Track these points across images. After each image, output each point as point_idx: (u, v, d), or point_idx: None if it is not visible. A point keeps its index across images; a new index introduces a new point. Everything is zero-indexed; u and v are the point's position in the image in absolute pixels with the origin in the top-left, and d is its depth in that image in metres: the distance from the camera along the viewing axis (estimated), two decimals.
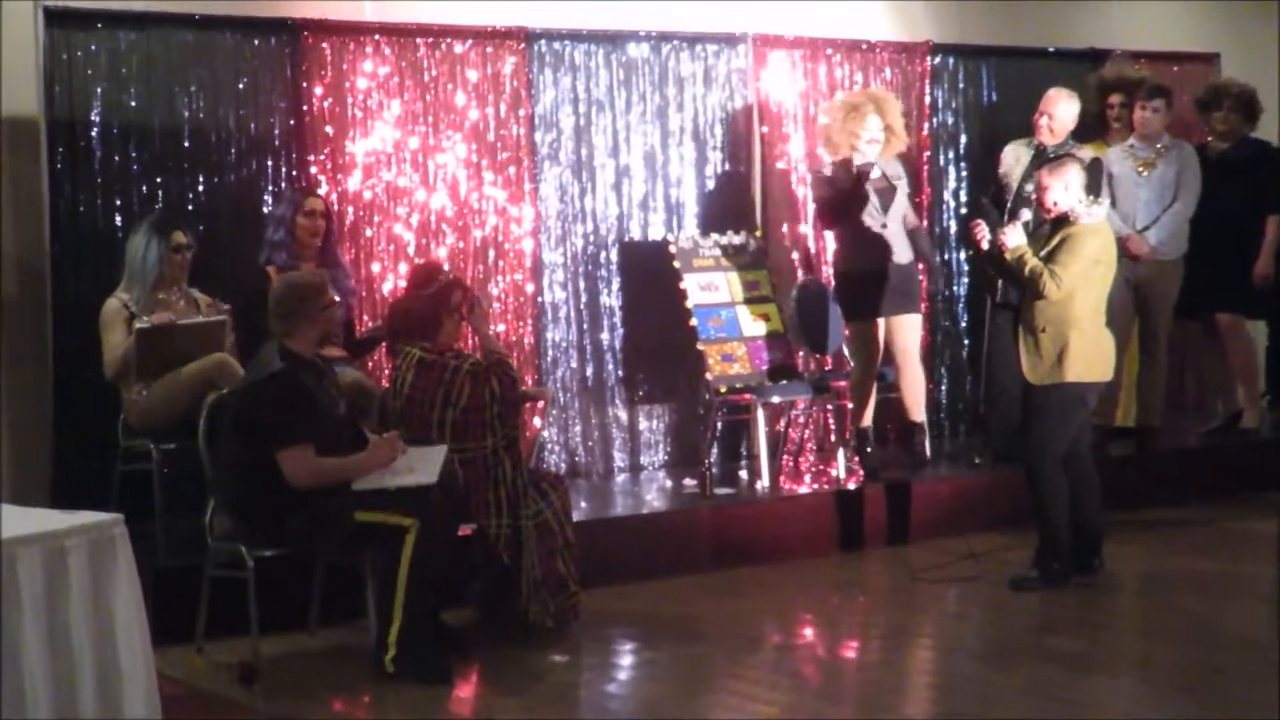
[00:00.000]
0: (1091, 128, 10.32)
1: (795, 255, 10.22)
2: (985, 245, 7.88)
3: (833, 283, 9.58)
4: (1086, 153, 9.23)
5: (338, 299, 6.97)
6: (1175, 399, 11.48)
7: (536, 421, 9.07)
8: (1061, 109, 9.46)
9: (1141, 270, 9.79)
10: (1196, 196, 9.88)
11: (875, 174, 9.12)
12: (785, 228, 10.31)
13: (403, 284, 8.45)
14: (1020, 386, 7.89)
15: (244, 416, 6.54)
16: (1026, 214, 8.38)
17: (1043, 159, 9.10)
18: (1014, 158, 9.66)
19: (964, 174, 10.94)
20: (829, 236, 10.28)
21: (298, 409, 6.51)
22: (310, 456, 6.48)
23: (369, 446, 6.68)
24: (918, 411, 9.46)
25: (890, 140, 9.20)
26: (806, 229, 10.32)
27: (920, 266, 9.53)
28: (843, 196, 9.16)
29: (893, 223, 9.18)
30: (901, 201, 9.27)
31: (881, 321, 9.20)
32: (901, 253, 9.20)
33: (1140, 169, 9.81)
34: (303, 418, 6.52)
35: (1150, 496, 9.66)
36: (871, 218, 9.10)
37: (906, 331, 9.30)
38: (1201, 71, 11.73)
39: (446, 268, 8.57)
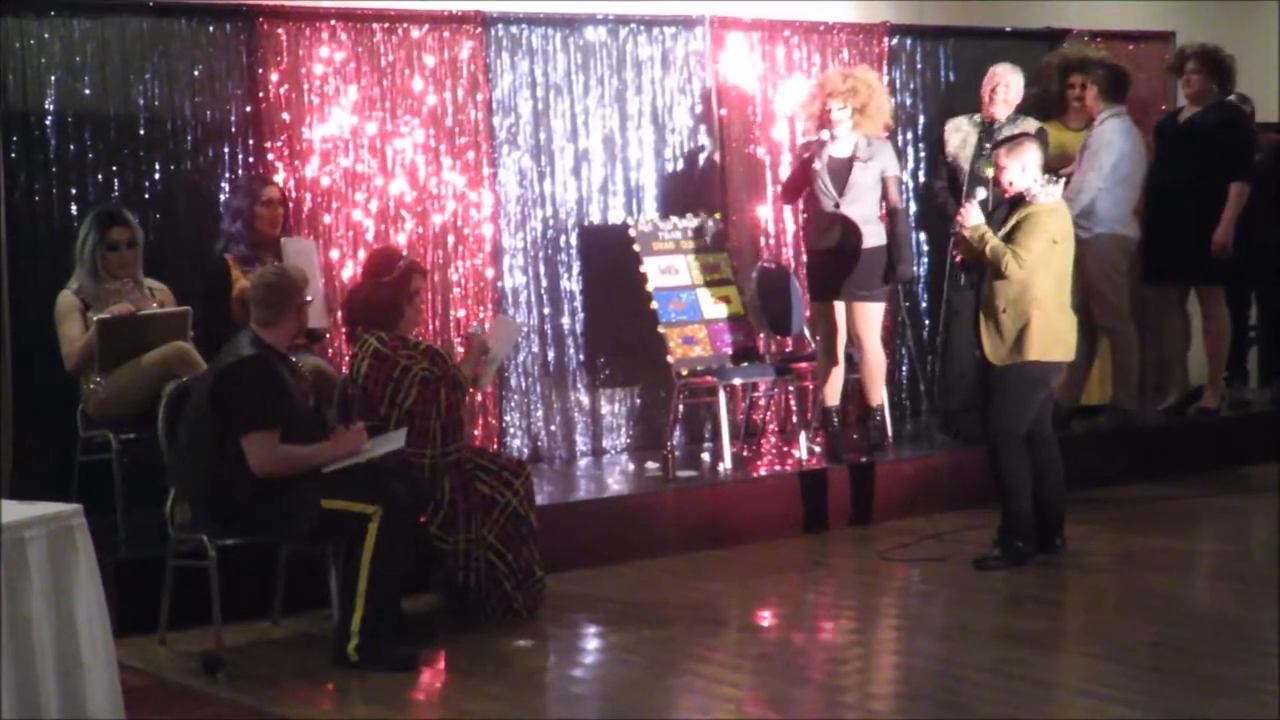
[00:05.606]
0: (1051, 107, 10.35)
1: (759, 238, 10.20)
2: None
3: (792, 263, 9.52)
4: (1031, 124, 9.28)
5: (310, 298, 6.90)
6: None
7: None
8: (1015, 78, 9.51)
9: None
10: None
11: (843, 153, 8.98)
12: (744, 210, 10.30)
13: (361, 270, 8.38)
14: (979, 368, 7.91)
15: (216, 400, 6.50)
16: (982, 193, 8.37)
17: (991, 135, 9.12)
18: (959, 138, 9.66)
19: (922, 154, 10.94)
20: (789, 218, 10.30)
21: (269, 394, 6.49)
22: (275, 443, 6.45)
23: (333, 437, 6.66)
24: (876, 395, 9.40)
25: (859, 121, 9.00)
26: (767, 211, 10.32)
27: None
28: (791, 174, 9.25)
29: (852, 205, 8.95)
30: (865, 183, 8.97)
31: (841, 304, 9.13)
32: (867, 237, 8.96)
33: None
34: (273, 403, 6.49)
35: (1112, 474, 9.69)
36: (825, 197, 9.05)
37: (858, 319, 9.06)
38: (1157, 51, 11.74)
39: (405, 252, 8.49)
